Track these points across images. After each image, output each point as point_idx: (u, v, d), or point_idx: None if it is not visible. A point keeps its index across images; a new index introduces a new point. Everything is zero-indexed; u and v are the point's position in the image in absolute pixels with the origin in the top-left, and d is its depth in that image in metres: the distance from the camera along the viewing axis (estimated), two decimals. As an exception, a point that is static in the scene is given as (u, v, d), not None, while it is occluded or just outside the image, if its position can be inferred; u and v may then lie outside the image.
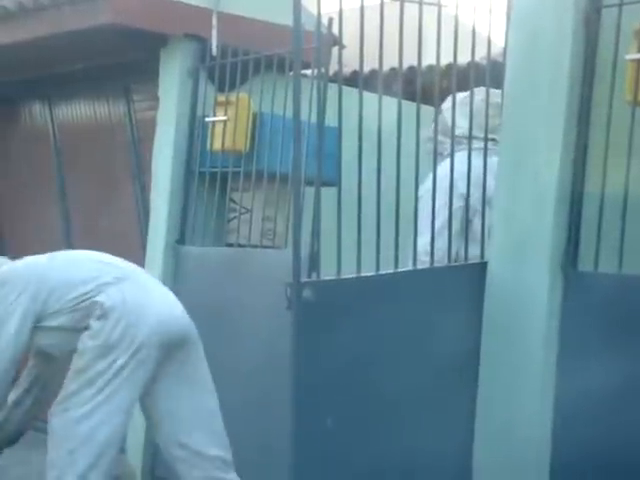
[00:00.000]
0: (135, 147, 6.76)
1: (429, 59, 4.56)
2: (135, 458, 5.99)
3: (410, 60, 4.61)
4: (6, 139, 8.00)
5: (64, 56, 6.59)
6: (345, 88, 4.35)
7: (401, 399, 4.35)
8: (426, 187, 4.59)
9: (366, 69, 4.56)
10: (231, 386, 5.23)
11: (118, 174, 6.94)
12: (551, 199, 4.16)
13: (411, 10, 4.41)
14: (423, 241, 4.58)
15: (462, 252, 4.61)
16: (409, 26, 4.38)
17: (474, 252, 4.54)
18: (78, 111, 7.33)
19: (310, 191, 4.53)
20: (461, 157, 4.60)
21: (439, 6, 4.51)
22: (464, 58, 4.62)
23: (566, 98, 4.14)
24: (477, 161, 4.57)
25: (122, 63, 6.49)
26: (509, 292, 4.30)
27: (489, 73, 4.58)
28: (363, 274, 4.39)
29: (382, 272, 4.46)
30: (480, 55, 4.66)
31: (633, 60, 3.90)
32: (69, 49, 6.39)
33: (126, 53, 6.31)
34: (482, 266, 4.44)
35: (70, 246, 7.30)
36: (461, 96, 4.74)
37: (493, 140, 4.66)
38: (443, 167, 4.64)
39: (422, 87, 4.48)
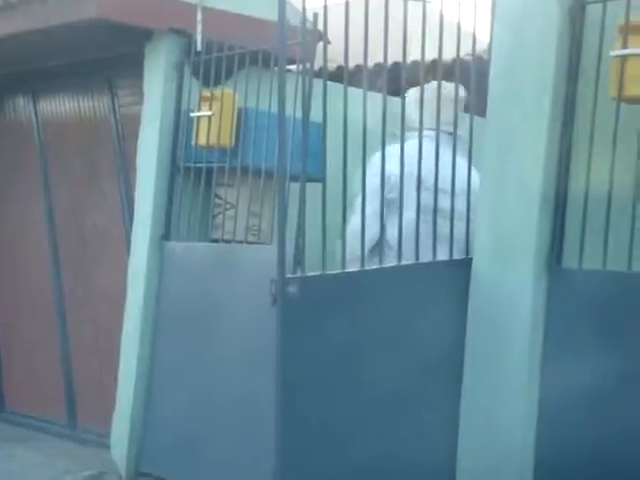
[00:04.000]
0: (120, 142, 6.74)
1: (414, 55, 4.56)
2: (120, 454, 5.99)
3: (395, 56, 4.61)
4: (-11, 134, 7.98)
5: (48, 51, 6.56)
6: (330, 84, 4.35)
7: (385, 396, 4.35)
8: (372, 171, 4.60)
9: (351, 65, 4.56)
10: (215, 382, 5.23)
11: (102, 169, 6.91)
12: (536, 196, 4.16)
13: (396, 6, 4.41)
14: (354, 221, 4.64)
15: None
16: (394, 22, 4.38)
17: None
18: (62, 106, 7.30)
19: (295, 187, 4.53)
20: (411, 144, 4.62)
21: (424, 2, 4.51)
22: (449, 54, 4.62)
23: (551, 95, 4.15)
24: (429, 146, 4.57)
25: (107, 58, 6.46)
26: (494, 288, 4.31)
27: (474, 69, 4.57)
28: (347, 270, 4.39)
29: (367, 268, 4.47)
30: (465, 51, 4.66)
31: (618, 56, 3.90)
32: (53, 43, 6.36)
33: (111, 48, 6.29)
34: (467, 263, 4.44)
35: (54, 242, 7.29)
36: (417, 90, 4.74)
37: (449, 133, 4.70)
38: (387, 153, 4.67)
39: (407, 83, 4.49)
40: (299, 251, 4.44)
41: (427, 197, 4.61)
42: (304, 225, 4.50)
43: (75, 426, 7.09)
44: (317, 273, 4.34)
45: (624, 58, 3.88)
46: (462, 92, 4.86)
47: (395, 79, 4.72)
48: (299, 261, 4.42)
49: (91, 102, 7.02)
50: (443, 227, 4.60)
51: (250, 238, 5.44)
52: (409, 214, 4.57)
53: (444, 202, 4.63)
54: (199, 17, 5.79)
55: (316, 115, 4.47)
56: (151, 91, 6.06)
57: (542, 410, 4.10)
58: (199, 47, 5.76)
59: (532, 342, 4.14)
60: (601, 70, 4.00)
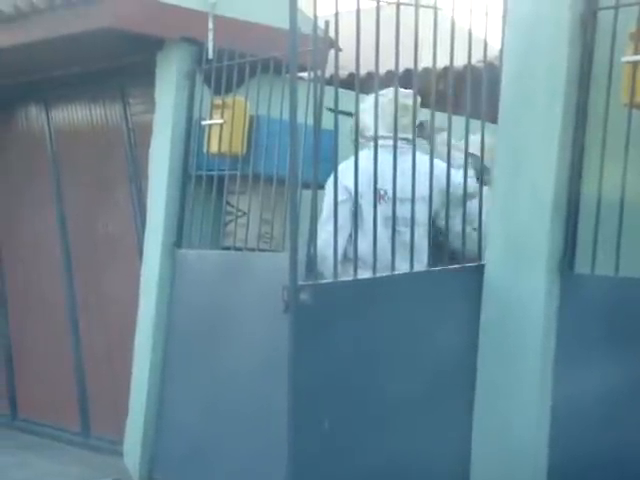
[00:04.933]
0: (132, 150, 6.75)
1: (425, 62, 4.57)
2: (133, 461, 5.99)
3: (406, 63, 4.61)
4: (2, 142, 7.99)
5: (61, 60, 6.59)
6: (341, 91, 4.35)
7: (398, 403, 4.35)
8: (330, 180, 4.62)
9: (363, 72, 4.57)
10: (228, 388, 5.23)
11: (115, 177, 6.93)
12: (548, 202, 4.16)
13: (407, 13, 4.41)
14: (322, 237, 4.66)
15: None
16: (405, 29, 4.38)
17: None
18: (75, 114, 7.32)
19: (307, 194, 4.53)
20: (366, 154, 4.62)
21: (435, 9, 4.51)
22: (460, 61, 4.62)
23: (563, 101, 4.15)
24: (385, 157, 4.51)
25: (119, 66, 6.49)
26: (506, 294, 4.30)
27: (485, 76, 4.58)
28: (360, 277, 4.39)
29: (379, 275, 4.47)
30: (476, 58, 4.67)
31: (629, 62, 3.91)
32: (66, 53, 6.38)
33: (123, 56, 6.31)
34: (479, 269, 4.44)
35: (67, 249, 7.31)
36: (372, 98, 4.69)
37: (405, 139, 4.67)
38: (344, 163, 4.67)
39: (418, 90, 4.49)
40: (311, 258, 4.44)
41: (387, 208, 4.61)
42: (316, 232, 4.51)
43: (88, 433, 7.10)
44: (329, 280, 4.34)
45: (635, 64, 3.89)
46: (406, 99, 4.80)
47: (407, 86, 4.73)
48: (311, 268, 4.42)
49: (103, 110, 7.04)
50: (405, 236, 4.59)
51: (262, 245, 5.44)
52: (371, 226, 4.55)
53: (405, 211, 4.58)
54: (210, 25, 5.81)
55: (328, 122, 4.48)
56: (163, 99, 6.07)
57: (555, 415, 4.09)
58: (210, 55, 5.77)
59: (544, 347, 4.13)
60: (612, 76, 4.00)
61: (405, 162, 4.54)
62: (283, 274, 4.20)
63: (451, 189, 4.68)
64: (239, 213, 5.63)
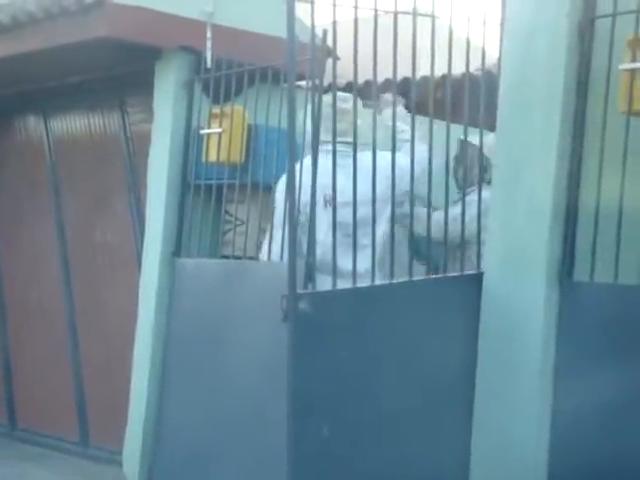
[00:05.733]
0: (130, 159, 6.76)
1: (423, 70, 4.57)
2: (132, 471, 5.99)
3: (404, 71, 4.62)
4: (1, 152, 8.00)
5: (59, 69, 6.59)
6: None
7: (397, 410, 4.34)
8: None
9: (360, 80, 4.57)
10: (227, 397, 5.22)
11: (113, 186, 6.93)
12: (547, 210, 4.16)
13: (405, 21, 4.42)
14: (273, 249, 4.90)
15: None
16: (403, 37, 4.39)
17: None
18: (73, 124, 7.32)
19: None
20: (308, 161, 4.60)
21: (433, 17, 4.52)
22: (458, 69, 4.63)
23: (560, 109, 4.15)
24: (325, 162, 4.48)
25: (117, 76, 6.49)
26: (506, 302, 4.30)
27: (483, 84, 4.58)
28: (359, 285, 4.39)
29: (377, 283, 4.47)
30: (474, 66, 4.67)
31: (627, 70, 3.91)
32: (64, 62, 6.39)
33: (121, 66, 6.32)
34: (478, 277, 4.44)
35: (65, 259, 7.30)
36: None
37: (346, 143, 4.60)
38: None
39: (416, 98, 4.50)
40: (310, 267, 4.44)
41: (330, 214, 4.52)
42: (314, 241, 4.51)
43: (87, 443, 7.09)
44: (327, 289, 4.34)
45: (633, 72, 3.89)
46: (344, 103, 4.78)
47: (405, 94, 4.73)
48: (310, 277, 4.42)
49: (101, 120, 7.04)
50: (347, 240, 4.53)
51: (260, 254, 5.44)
52: (319, 235, 4.55)
53: (347, 215, 4.47)
54: (209, 34, 5.81)
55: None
56: (161, 108, 6.08)
57: (555, 423, 4.09)
58: (209, 64, 5.78)
59: (544, 355, 4.13)
60: (610, 84, 4.00)
61: (349, 166, 4.42)
62: (282, 283, 4.20)
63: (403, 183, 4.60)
64: (238, 222, 5.63)
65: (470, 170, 5.17)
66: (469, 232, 4.70)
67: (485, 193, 4.67)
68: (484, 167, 4.93)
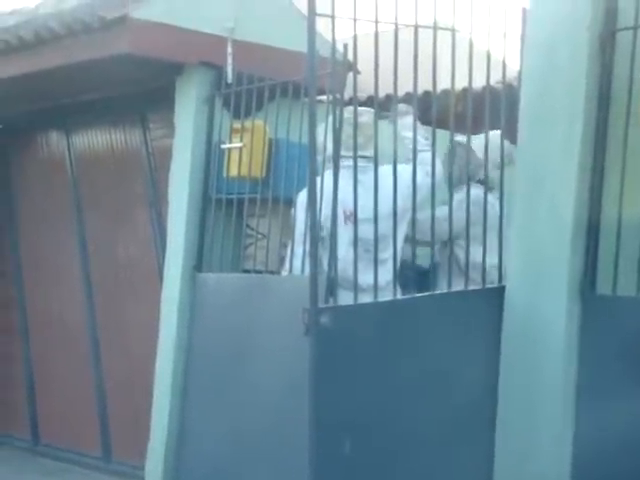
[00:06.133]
0: (151, 175, 6.78)
1: (444, 84, 4.57)
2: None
3: (425, 85, 4.62)
4: (24, 168, 8.05)
5: (80, 86, 6.63)
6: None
7: (419, 425, 4.33)
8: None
9: (381, 94, 4.57)
10: (250, 412, 5.22)
11: (135, 201, 6.96)
12: (568, 223, 4.15)
13: (425, 35, 4.42)
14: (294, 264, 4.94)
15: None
16: (424, 51, 4.39)
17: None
18: (95, 140, 7.36)
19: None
20: (328, 175, 4.59)
21: (453, 31, 4.52)
22: (479, 82, 4.62)
23: (582, 122, 4.14)
24: (345, 179, 4.46)
25: (138, 92, 6.52)
26: (527, 316, 4.29)
27: (504, 97, 4.58)
28: (380, 299, 4.39)
29: (400, 297, 4.46)
30: (495, 79, 4.67)
31: (648, 82, 3.90)
32: (85, 79, 6.42)
33: (142, 82, 6.35)
34: (500, 290, 4.43)
35: (87, 274, 7.33)
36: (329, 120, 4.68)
37: (364, 157, 4.59)
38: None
39: (437, 111, 4.50)
40: (331, 281, 4.44)
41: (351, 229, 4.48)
42: (336, 254, 4.50)
43: (110, 458, 7.10)
44: (349, 303, 4.33)
45: (654, 84, 3.88)
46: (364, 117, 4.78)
47: (426, 108, 4.73)
48: (331, 291, 4.42)
49: (123, 135, 7.08)
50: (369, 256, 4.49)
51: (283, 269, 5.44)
52: (341, 251, 4.53)
53: (366, 231, 4.44)
54: (229, 50, 5.83)
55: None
56: (182, 123, 6.10)
57: (577, 438, 4.06)
58: (229, 79, 5.80)
59: (566, 369, 4.11)
60: (632, 96, 3.98)
61: (370, 180, 4.41)
62: (303, 297, 4.20)
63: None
64: (259, 236, 5.63)
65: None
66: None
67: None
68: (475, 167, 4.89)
